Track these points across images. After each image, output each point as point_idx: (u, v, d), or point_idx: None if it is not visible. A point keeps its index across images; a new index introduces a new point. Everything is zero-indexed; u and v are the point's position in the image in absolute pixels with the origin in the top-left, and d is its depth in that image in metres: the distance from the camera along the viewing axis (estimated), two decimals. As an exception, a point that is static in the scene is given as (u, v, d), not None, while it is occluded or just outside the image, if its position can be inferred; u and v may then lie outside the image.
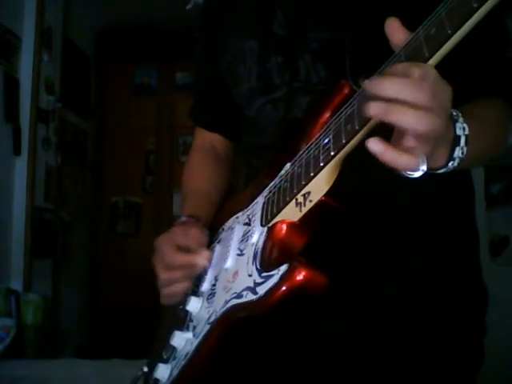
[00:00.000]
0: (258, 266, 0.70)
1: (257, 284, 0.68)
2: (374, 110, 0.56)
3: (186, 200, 1.07)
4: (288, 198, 0.72)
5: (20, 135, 2.99)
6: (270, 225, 0.75)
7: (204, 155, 1.14)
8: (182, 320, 0.85)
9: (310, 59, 0.87)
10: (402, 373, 0.83)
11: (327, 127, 0.70)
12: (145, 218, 4.29)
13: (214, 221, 0.99)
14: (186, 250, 0.87)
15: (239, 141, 1.09)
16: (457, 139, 0.64)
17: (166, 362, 0.83)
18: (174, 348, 0.82)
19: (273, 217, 0.75)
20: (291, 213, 0.72)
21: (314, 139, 0.73)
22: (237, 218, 0.88)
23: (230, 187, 1.13)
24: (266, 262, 0.70)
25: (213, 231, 0.95)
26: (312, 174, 0.69)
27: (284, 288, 0.63)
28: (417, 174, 0.59)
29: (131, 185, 4.32)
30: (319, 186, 0.68)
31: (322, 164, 0.68)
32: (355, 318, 0.85)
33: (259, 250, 0.73)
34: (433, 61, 0.57)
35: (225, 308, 0.73)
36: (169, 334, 0.84)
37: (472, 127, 0.67)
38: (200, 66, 1.14)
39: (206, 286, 0.84)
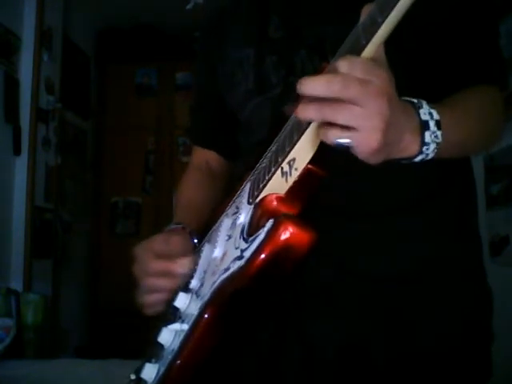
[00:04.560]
0: (245, 236, 0.67)
1: (243, 250, 0.65)
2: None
3: (176, 212, 1.08)
4: (273, 169, 0.69)
5: (20, 135, 2.99)
6: (256, 202, 0.71)
7: (199, 174, 1.14)
8: (170, 315, 0.81)
9: (306, 54, 0.87)
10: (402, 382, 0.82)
11: None
12: (145, 218, 4.29)
13: (206, 228, 0.97)
14: (166, 257, 0.85)
15: (234, 160, 1.11)
16: (424, 124, 0.64)
17: (153, 362, 0.79)
18: (161, 346, 0.78)
19: (259, 192, 0.72)
20: (277, 185, 0.68)
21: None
22: (226, 214, 0.86)
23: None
24: (253, 230, 0.66)
25: (203, 237, 0.93)
26: (295, 139, 0.66)
27: (270, 245, 0.59)
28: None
29: (131, 185, 4.32)
30: (304, 151, 0.66)
31: (304, 127, 0.65)
32: (352, 322, 0.84)
33: (246, 224, 0.69)
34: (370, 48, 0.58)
35: (213, 288, 0.69)
36: (156, 333, 0.81)
37: (448, 113, 0.67)
38: (198, 82, 1.16)
39: (194, 283, 0.81)
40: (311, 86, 0.58)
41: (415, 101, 0.65)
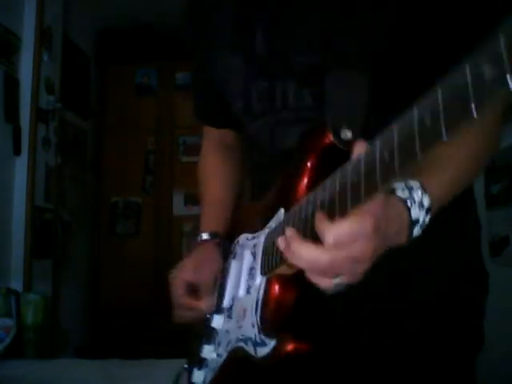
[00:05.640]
0: (259, 322, 0.79)
1: (257, 343, 0.77)
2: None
3: (203, 211, 1.12)
4: (279, 261, 0.76)
5: (20, 135, 2.99)
6: (268, 277, 0.81)
7: (215, 152, 1.15)
8: (209, 333, 0.95)
9: (296, 84, 0.86)
10: (401, 362, 0.84)
11: (306, 202, 0.72)
12: (145, 218, 4.29)
13: (232, 227, 1.06)
14: (196, 290, 0.98)
15: None
16: (415, 222, 0.67)
17: (199, 368, 0.94)
18: (204, 358, 0.94)
19: (269, 271, 0.80)
20: (284, 270, 0.76)
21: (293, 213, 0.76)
22: (247, 239, 0.93)
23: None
24: (264, 322, 0.78)
25: (231, 237, 1.02)
26: None
27: (276, 358, 0.74)
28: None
29: (131, 185, 4.32)
30: None
31: None
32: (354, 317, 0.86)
33: (260, 303, 0.80)
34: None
35: (236, 345, 0.84)
36: (199, 345, 0.95)
37: (439, 182, 0.70)
38: (195, 66, 1.13)
39: (226, 303, 0.93)
40: (300, 256, 0.64)
41: (408, 203, 0.67)
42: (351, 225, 0.60)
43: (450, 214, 0.88)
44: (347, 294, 0.84)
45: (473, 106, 0.41)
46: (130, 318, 4.02)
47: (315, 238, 0.64)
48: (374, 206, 0.60)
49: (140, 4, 3.88)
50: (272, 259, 0.79)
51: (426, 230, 0.86)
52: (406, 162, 0.50)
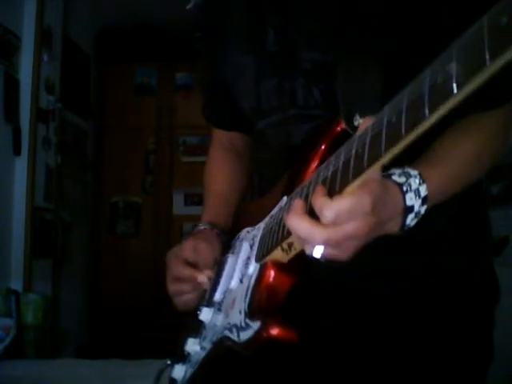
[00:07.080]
0: (246, 308, 0.75)
1: (241, 328, 0.74)
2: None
3: (205, 204, 1.10)
4: (274, 244, 0.74)
5: (20, 135, 2.99)
6: (261, 263, 0.78)
7: (223, 153, 1.14)
8: (196, 327, 0.91)
9: (304, 82, 0.85)
10: (408, 369, 0.83)
11: (309, 181, 0.70)
12: (145, 218, 4.29)
13: (233, 224, 1.04)
14: (194, 264, 0.94)
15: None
16: (409, 209, 0.65)
17: (181, 363, 0.91)
18: (188, 353, 0.90)
19: (264, 256, 0.78)
20: (279, 255, 0.75)
21: (298, 188, 0.74)
22: (247, 232, 0.91)
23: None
24: (252, 307, 0.75)
25: (232, 233, 1.00)
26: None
27: (258, 342, 0.70)
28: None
29: (131, 185, 4.32)
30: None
31: None
32: (360, 316, 0.85)
33: (250, 289, 0.77)
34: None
35: (221, 335, 0.80)
36: (185, 339, 0.92)
37: (439, 175, 0.69)
38: (206, 66, 1.12)
39: (218, 297, 0.90)
40: (295, 226, 0.63)
41: (404, 188, 0.65)
42: (350, 202, 0.59)
43: (463, 220, 0.88)
44: (346, 291, 0.84)
45: (487, 56, 0.39)
46: (130, 317, 4.02)
47: (314, 213, 0.63)
48: (372, 183, 0.59)
49: (140, 4, 3.88)
50: (267, 243, 0.77)
51: (435, 235, 0.85)
52: (414, 124, 0.48)
